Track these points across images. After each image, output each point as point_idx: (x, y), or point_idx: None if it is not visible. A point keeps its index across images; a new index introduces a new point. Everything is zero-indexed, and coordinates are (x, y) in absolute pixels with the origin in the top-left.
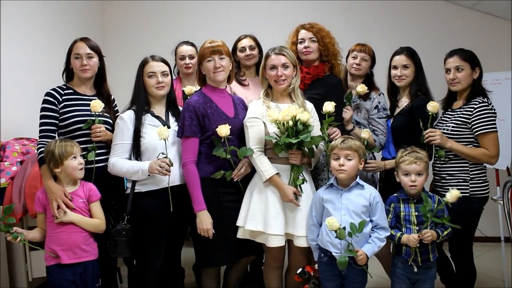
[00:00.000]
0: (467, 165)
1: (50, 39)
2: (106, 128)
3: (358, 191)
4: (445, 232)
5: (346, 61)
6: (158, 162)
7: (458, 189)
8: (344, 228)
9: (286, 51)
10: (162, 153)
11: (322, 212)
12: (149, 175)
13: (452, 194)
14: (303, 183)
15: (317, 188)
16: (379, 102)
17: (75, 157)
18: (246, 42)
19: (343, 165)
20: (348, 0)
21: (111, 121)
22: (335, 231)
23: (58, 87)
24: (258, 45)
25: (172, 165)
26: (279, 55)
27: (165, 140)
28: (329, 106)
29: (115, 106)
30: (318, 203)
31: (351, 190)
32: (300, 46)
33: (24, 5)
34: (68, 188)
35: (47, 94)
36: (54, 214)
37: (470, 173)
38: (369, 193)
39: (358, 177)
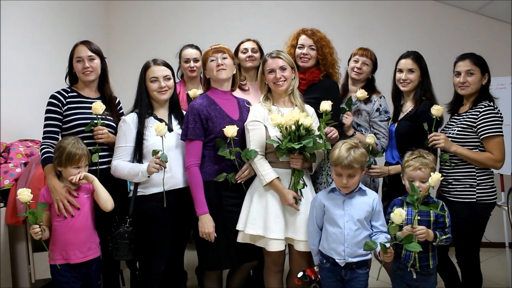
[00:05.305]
0: (474, 170)
1: (54, 41)
2: (108, 131)
3: (360, 197)
4: (444, 237)
5: (348, 65)
6: (153, 160)
7: (465, 194)
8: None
9: (283, 54)
10: (154, 150)
11: (322, 217)
12: (149, 177)
13: (433, 178)
14: (303, 187)
15: (316, 192)
16: (380, 105)
17: (78, 167)
18: (248, 45)
19: (346, 183)
20: (352, 1)
21: (114, 124)
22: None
23: (62, 89)
24: (260, 49)
25: (167, 160)
26: (275, 59)
27: (162, 137)
28: (326, 105)
29: (120, 108)
30: (319, 208)
31: (354, 196)
32: (298, 51)
33: (26, 6)
34: (72, 185)
35: (52, 96)
36: (62, 213)
37: (477, 178)
38: (372, 199)
39: (360, 182)
